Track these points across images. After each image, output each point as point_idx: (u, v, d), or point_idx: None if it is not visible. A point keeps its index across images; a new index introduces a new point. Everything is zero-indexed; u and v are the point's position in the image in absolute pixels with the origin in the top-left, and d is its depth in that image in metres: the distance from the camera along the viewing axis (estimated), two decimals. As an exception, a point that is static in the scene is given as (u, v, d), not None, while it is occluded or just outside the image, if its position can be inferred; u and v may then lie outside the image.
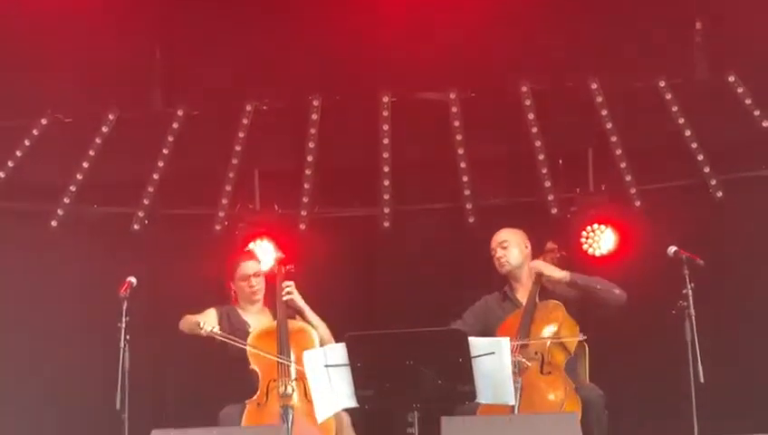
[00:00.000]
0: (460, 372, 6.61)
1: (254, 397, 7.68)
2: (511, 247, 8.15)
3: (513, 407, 7.14)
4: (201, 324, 7.61)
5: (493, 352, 6.66)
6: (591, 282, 7.89)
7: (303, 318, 8.09)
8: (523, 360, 7.57)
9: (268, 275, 8.23)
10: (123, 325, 7.43)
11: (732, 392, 8.67)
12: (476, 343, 6.70)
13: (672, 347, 7.46)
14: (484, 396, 6.75)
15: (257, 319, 8.08)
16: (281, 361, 7.63)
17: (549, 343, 7.69)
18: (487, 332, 7.82)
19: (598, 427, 7.51)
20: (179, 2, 9.65)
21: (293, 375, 7.62)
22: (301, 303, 8.08)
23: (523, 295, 8.06)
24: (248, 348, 7.71)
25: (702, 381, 7.18)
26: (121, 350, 7.40)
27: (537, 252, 8.25)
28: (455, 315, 8.08)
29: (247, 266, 8.11)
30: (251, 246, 9.28)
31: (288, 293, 8.04)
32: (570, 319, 7.80)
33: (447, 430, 6.50)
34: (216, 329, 7.68)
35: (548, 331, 7.75)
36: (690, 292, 7.36)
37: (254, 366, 7.74)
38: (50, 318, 9.37)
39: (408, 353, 6.59)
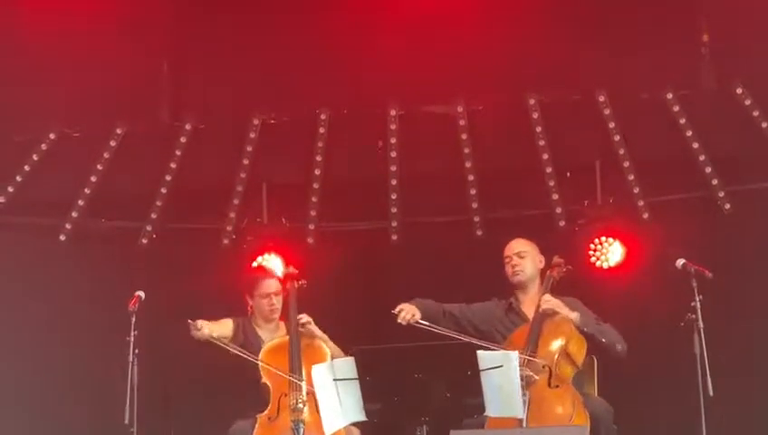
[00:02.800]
0: (468, 385, 6.61)
1: (265, 411, 7.66)
2: (527, 258, 8.07)
3: (521, 420, 7.13)
4: (198, 326, 7.59)
5: (501, 366, 6.66)
6: (597, 333, 7.74)
7: None
8: (531, 373, 7.50)
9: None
10: (132, 340, 7.45)
11: (741, 406, 8.65)
12: (484, 357, 6.70)
13: (681, 360, 7.45)
14: (492, 409, 6.75)
15: (271, 336, 8.02)
16: (292, 379, 7.59)
17: (557, 356, 7.66)
18: (484, 336, 7.74)
19: None
20: (187, 16, 9.66)
21: (305, 389, 7.59)
22: (318, 333, 7.92)
23: (528, 309, 7.97)
24: (260, 363, 7.69)
25: (711, 394, 7.17)
26: (130, 364, 7.42)
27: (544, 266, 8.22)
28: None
29: (269, 285, 8.03)
30: (260, 260, 9.29)
31: (307, 322, 7.89)
32: (578, 334, 7.72)
33: (456, 444, 6.50)
34: (219, 335, 7.67)
35: (556, 344, 7.69)
36: (699, 304, 7.36)
37: (265, 380, 7.72)
38: (58, 332, 9.37)
39: (417, 367, 6.60)
